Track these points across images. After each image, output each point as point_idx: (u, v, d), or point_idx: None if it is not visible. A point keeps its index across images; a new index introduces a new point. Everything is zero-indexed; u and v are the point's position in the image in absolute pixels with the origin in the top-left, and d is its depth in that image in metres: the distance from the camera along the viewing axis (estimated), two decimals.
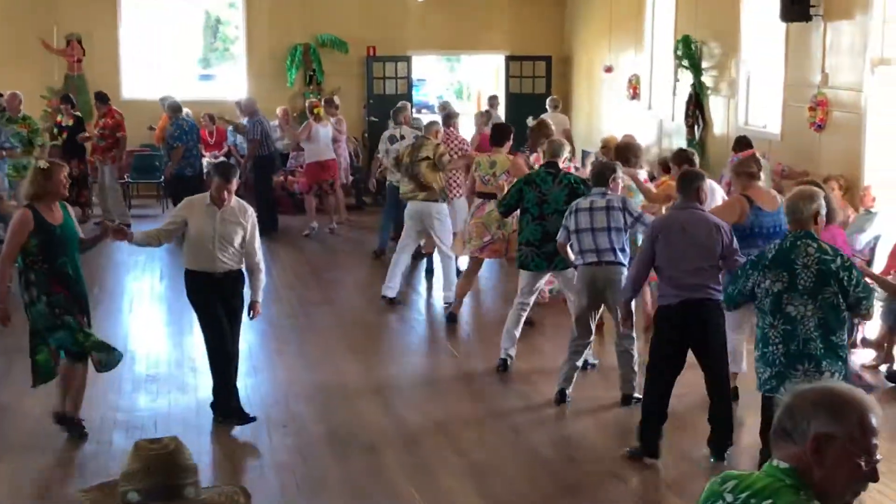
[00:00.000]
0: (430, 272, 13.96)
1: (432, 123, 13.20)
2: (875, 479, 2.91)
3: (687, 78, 16.30)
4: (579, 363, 9.26)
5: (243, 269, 8.67)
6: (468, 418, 8.94)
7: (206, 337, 8.72)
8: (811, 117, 13.09)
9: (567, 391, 9.21)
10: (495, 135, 11.98)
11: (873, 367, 9.91)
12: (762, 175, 9.84)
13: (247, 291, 8.70)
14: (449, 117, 14.81)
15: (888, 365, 9.88)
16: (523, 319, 10.24)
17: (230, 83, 25.01)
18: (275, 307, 12.55)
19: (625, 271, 8.91)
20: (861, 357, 10.06)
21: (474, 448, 8.23)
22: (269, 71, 20.53)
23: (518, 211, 10.11)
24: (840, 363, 6.43)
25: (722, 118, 15.68)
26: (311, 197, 17.18)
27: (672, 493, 7.48)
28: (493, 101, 19.68)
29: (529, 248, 9.85)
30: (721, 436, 7.93)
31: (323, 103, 17.70)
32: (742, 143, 13.44)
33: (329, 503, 7.22)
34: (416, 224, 12.50)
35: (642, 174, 11.24)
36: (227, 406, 8.65)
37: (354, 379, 9.91)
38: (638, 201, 10.42)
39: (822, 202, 6.57)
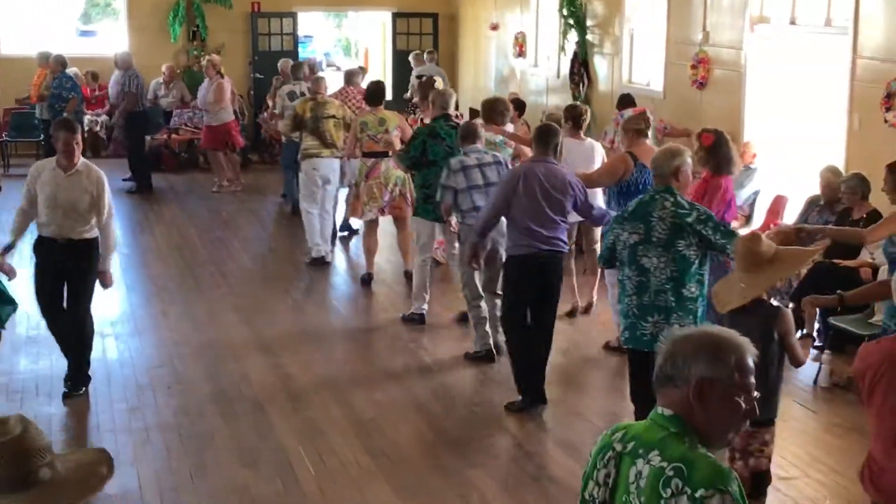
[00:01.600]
0: (344, 232, 13.96)
1: (319, 79, 13.12)
2: (754, 414, 3.06)
3: (572, 36, 16.41)
4: (484, 314, 9.30)
5: (96, 236, 8.28)
6: (355, 375, 8.96)
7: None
8: (693, 75, 13.30)
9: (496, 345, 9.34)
10: (373, 94, 11.90)
11: None
12: (649, 133, 10.02)
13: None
14: (351, 75, 14.86)
15: None
16: (427, 274, 10.39)
17: (111, 39, 24.50)
18: (160, 268, 12.41)
19: (500, 228, 8.86)
20: None
21: (361, 405, 8.24)
22: (151, 26, 20.11)
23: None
24: (691, 316, 6.48)
25: (606, 76, 15.83)
26: (221, 154, 16.99)
27: (556, 444, 7.60)
28: (431, 55, 19.60)
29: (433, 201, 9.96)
30: (540, 383, 8.18)
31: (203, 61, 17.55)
32: (626, 100, 13.60)
33: (216, 463, 7.18)
34: (318, 180, 12.45)
35: (510, 128, 11.18)
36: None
37: (241, 338, 9.85)
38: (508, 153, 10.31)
39: (686, 159, 6.63)
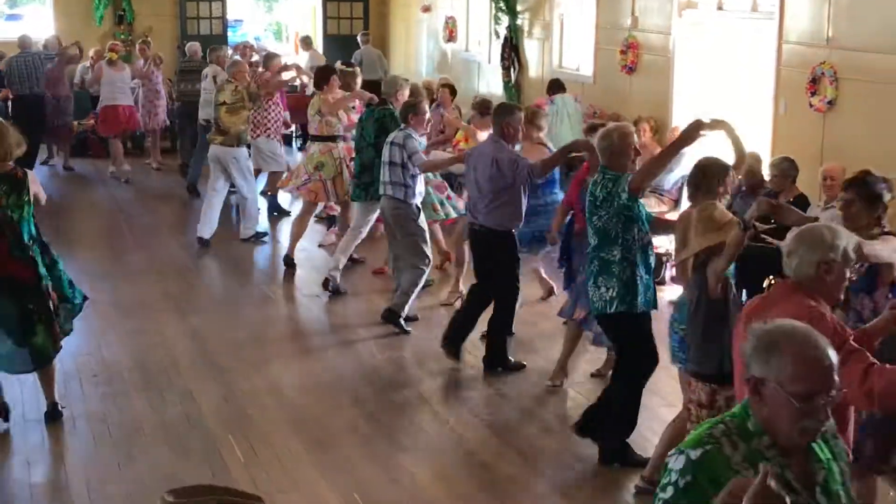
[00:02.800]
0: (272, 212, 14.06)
1: (234, 63, 13.07)
2: (820, 417, 2.94)
3: (503, 21, 16.42)
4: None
5: None
6: (286, 361, 8.92)
7: None
8: (622, 60, 13.38)
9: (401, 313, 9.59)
10: (316, 79, 11.97)
11: None
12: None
13: None
14: (269, 59, 14.80)
15: None
16: (352, 246, 10.71)
17: (38, 24, 24.12)
18: (87, 255, 12.25)
19: (399, 206, 9.36)
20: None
21: (292, 392, 8.22)
22: (76, 10, 19.88)
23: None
24: (614, 280, 6.71)
25: (537, 61, 15.88)
26: (118, 142, 16.74)
27: (486, 427, 7.61)
28: (366, 37, 19.67)
29: (353, 179, 10.54)
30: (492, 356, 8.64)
31: (138, 46, 17.39)
32: (555, 85, 13.66)
33: (144, 452, 7.10)
34: (216, 167, 12.63)
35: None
36: None
37: (170, 325, 9.76)
38: None
39: (614, 139, 6.80)
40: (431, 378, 8.58)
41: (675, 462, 2.95)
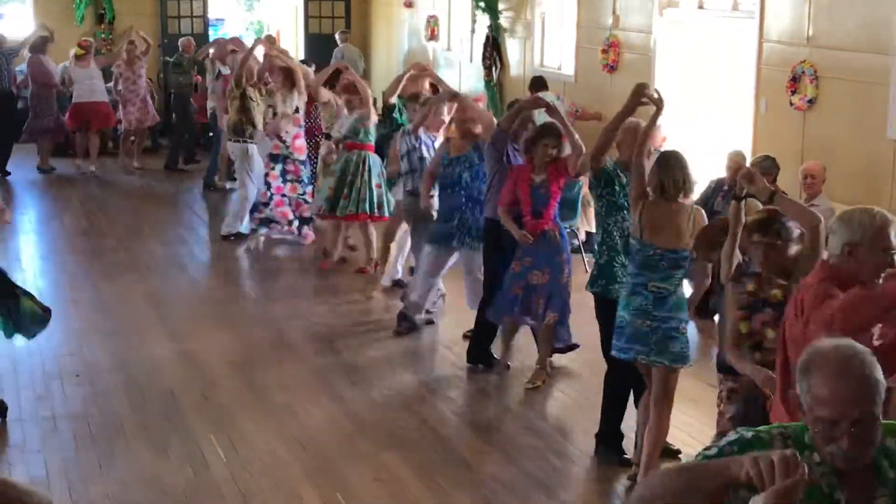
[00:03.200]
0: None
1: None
2: (842, 445, 2.81)
3: (484, 20, 16.42)
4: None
5: None
6: (267, 361, 8.90)
7: None
8: (603, 59, 13.40)
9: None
10: (330, 78, 12.29)
11: None
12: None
13: None
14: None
15: None
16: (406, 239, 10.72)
17: (18, 22, 24.01)
18: (69, 255, 12.21)
19: (408, 199, 9.64)
20: None
21: (273, 391, 8.20)
22: (56, 9, 19.75)
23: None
24: (595, 261, 7.05)
25: (518, 59, 15.88)
26: (83, 137, 16.79)
27: (466, 425, 7.62)
28: (345, 35, 19.83)
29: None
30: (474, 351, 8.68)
31: (126, 44, 17.34)
32: (538, 83, 13.65)
33: (125, 451, 7.09)
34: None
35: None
36: None
37: (151, 325, 9.73)
38: None
39: (620, 135, 6.98)
40: (414, 377, 8.59)
41: (730, 436, 2.96)
